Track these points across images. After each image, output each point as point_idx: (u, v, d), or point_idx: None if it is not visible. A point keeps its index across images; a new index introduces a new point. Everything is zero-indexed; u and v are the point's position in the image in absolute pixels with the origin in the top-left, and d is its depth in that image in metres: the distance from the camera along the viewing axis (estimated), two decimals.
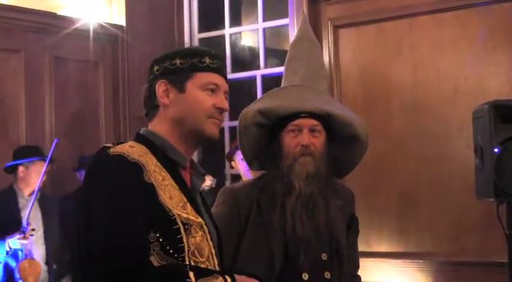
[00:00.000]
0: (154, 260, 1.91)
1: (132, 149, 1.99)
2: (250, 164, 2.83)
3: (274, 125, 2.65)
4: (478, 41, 5.22)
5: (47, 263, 5.46)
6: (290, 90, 2.70)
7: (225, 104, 2.12)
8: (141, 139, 2.08)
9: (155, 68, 2.12)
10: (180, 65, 2.09)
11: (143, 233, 1.90)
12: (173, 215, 1.96)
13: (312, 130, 2.61)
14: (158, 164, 2.01)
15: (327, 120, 2.64)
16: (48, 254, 5.51)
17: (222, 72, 2.15)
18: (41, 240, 5.45)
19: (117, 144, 2.04)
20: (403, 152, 5.51)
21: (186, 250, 1.96)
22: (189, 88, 2.08)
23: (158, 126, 2.10)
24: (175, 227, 1.96)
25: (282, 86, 2.80)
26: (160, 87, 2.08)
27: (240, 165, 5.38)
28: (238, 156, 5.36)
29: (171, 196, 1.98)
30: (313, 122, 2.60)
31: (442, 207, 5.31)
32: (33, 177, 5.43)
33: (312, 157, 2.59)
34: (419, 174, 5.43)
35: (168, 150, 2.07)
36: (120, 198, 1.89)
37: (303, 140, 2.59)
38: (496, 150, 3.83)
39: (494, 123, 3.87)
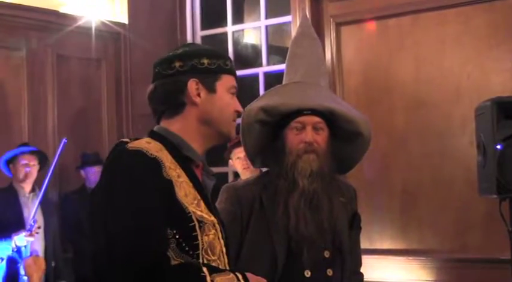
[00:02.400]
0: (170, 257, 1.91)
1: (150, 145, 1.98)
2: (253, 162, 2.83)
3: (277, 122, 2.65)
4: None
5: (46, 258, 5.48)
6: (292, 87, 2.70)
7: (241, 108, 2.17)
8: (155, 136, 2.06)
9: (177, 64, 2.08)
10: (209, 66, 2.08)
11: (163, 230, 1.90)
12: (189, 213, 1.96)
13: (315, 127, 2.61)
14: (173, 161, 2.00)
15: (329, 117, 2.64)
16: (48, 250, 5.54)
17: (236, 76, 2.19)
18: (41, 236, 5.48)
19: (134, 139, 2.03)
20: (406, 149, 5.51)
21: (200, 247, 1.97)
22: (219, 89, 2.09)
23: (177, 124, 2.08)
24: (191, 224, 1.96)
25: (283, 83, 2.80)
26: (192, 86, 2.06)
27: (237, 163, 5.38)
28: (235, 154, 5.36)
29: (186, 193, 1.98)
30: (316, 119, 2.60)
31: (445, 204, 5.31)
32: (20, 172, 5.47)
33: (315, 154, 2.59)
34: (421, 171, 5.44)
35: (183, 147, 2.06)
36: (141, 196, 1.89)
37: (306, 137, 2.59)
38: (498, 147, 3.83)
39: (497, 120, 3.87)
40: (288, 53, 2.83)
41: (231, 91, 2.12)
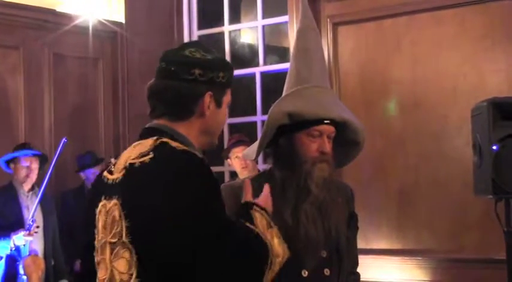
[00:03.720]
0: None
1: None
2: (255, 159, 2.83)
3: (291, 124, 2.65)
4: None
5: (45, 257, 5.48)
6: (313, 92, 2.67)
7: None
8: (169, 137, 2.07)
9: (197, 72, 2.08)
10: (222, 79, 2.12)
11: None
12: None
13: (328, 136, 2.63)
14: None
15: (338, 126, 2.66)
16: (47, 249, 5.54)
17: None
18: (41, 235, 5.47)
19: (172, 139, 2.07)
20: (402, 149, 5.53)
21: None
22: (223, 104, 2.16)
23: (183, 129, 2.10)
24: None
25: (293, 77, 2.76)
26: (207, 98, 2.09)
27: (235, 162, 5.40)
28: (234, 154, 5.37)
29: None
30: (332, 129, 2.62)
31: (441, 205, 5.33)
32: (21, 173, 5.45)
33: (327, 163, 2.62)
34: (418, 172, 5.45)
35: (195, 150, 2.09)
36: (215, 192, 1.97)
37: (325, 147, 2.60)
38: (494, 147, 3.84)
39: (493, 121, 3.88)
40: (296, 45, 2.80)
41: (229, 104, 2.19)
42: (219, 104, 2.12)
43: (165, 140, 2.03)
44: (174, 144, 2.01)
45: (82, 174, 6.14)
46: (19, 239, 5.15)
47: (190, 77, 2.07)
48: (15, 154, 5.49)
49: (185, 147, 2.00)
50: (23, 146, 5.59)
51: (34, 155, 5.52)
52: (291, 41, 5.84)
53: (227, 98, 2.16)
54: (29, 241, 5.22)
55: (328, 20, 5.85)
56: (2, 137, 5.84)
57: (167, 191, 1.91)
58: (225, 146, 5.63)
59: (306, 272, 2.59)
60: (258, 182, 2.69)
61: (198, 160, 1.98)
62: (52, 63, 6.30)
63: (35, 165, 5.50)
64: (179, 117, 2.09)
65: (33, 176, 5.50)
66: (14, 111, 6.02)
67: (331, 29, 5.84)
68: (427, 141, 5.41)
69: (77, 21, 6.32)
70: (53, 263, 5.61)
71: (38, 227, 5.28)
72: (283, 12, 6.30)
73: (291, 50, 2.96)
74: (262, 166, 5.59)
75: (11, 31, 6.03)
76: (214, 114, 2.12)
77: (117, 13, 6.72)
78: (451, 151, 5.30)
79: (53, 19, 6.25)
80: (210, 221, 1.90)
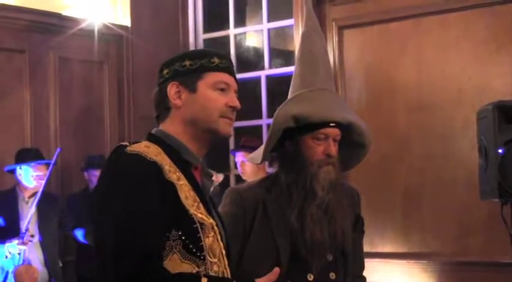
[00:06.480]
0: (177, 259, 1.94)
1: (148, 149, 2.00)
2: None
3: (297, 127, 2.65)
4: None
5: (46, 265, 5.42)
6: (318, 95, 2.68)
7: (237, 102, 2.14)
8: (154, 139, 2.09)
9: (165, 71, 2.14)
10: (190, 66, 2.11)
11: (159, 233, 1.92)
12: (191, 215, 1.98)
13: (334, 139, 2.63)
14: (172, 164, 2.02)
15: (344, 128, 2.66)
16: (46, 256, 5.45)
17: (231, 71, 2.17)
18: (37, 244, 5.39)
19: (133, 143, 2.05)
20: (407, 152, 5.52)
21: (205, 249, 1.99)
22: (200, 88, 2.09)
23: (170, 127, 2.11)
24: (194, 225, 1.98)
25: (297, 80, 2.76)
26: (172, 89, 2.10)
27: (241, 165, 5.44)
28: (241, 158, 5.40)
29: (186, 196, 2.00)
30: (337, 131, 2.63)
31: (446, 207, 5.32)
32: (30, 181, 5.42)
33: (333, 166, 2.62)
34: (423, 174, 5.44)
35: (182, 150, 2.08)
36: (138, 198, 1.91)
37: (330, 150, 2.60)
38: (500, 150, 3.83)
39: (498, 124, 3.87)
40: (301, 48, 2.80)
41: (217, 87, 2.11)
42: (191, 89, 2.09)
43: (124, 143, 2.05)
44: (131, 148, 2.00)
45: (86, 175, 6.12)
46: (13, 247, 5.08)
47: (161, 79, 2.15)
48: (32, 163, 5.40)
49: (137, 151, 1.98)
50: (37, 154, 5.51)
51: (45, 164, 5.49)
52: (296, 44, 5.85)
53: (207, 81, 2.10)
54: (23, 250, 5.13)
55: (334, 23, 5.86)
56: (8, 140, 5.84)
57: (100, 195, 1.98)
58: (230, 148, 5.66)
59: (312, 276, 2.59)
60: (263, 186, 2.70)
61: (136, 164, 1.95)
62: (57, 67, 6.31)
63: (44, 172, 5.45)
64: (164, 117, 2.13)
65: (42, 183, 5.47)
66: (20, 114, 6.03)
67: (336, 32, 5.85)
68: (433, 144, 5.41)
69: (82, 25, 6.32)
70: (61, 264, 5.57)
71: (32, 236, 5.19)
72: (289, 15, 6.31)
73: (296, 53, 2.96)
74: (269, 170, 5.60)
75: (16, 35, 6.04)
76: (191, 101, 2.08)
77: (123, 17, 6.73)
78: (457, 154, 5.30)
79: (59, 23, 6.26)
80: (121, 229, 1.88)
